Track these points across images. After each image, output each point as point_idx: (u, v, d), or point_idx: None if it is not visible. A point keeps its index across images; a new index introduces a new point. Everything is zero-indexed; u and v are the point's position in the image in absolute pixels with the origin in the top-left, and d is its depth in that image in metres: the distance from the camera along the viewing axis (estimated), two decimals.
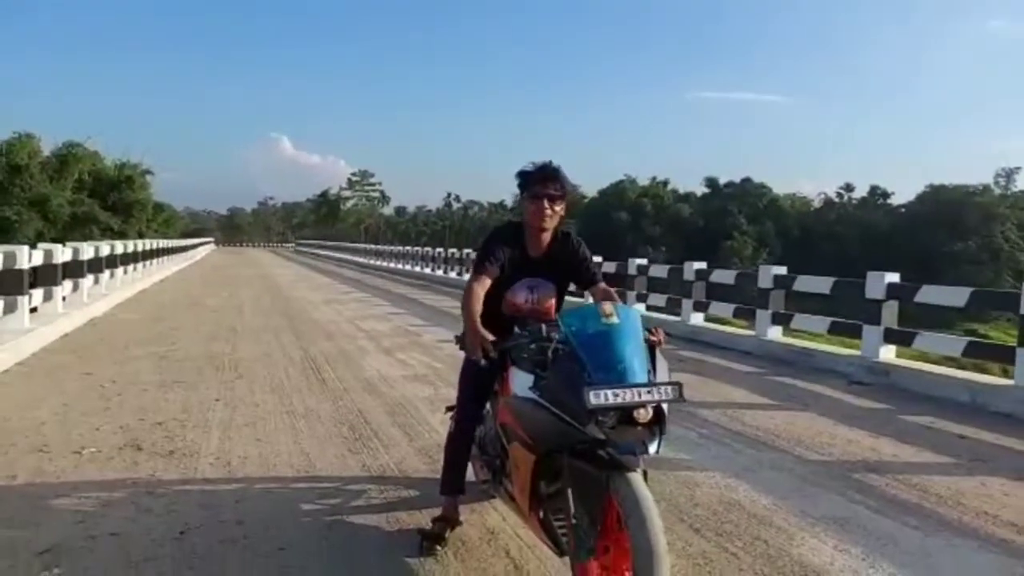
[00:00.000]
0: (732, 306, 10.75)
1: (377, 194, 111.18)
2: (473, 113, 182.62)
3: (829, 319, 8.95)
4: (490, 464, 3.34)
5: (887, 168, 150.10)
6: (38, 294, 9.78)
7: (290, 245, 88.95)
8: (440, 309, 14.53)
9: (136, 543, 3.26)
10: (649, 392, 2.42)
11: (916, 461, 4.85)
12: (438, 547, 3.20)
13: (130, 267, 18.16)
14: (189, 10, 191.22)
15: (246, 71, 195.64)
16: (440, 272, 25.73)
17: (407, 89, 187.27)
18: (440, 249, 28.53)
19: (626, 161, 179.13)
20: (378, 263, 35.53)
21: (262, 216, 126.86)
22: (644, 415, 2.42)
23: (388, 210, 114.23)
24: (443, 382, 6.68)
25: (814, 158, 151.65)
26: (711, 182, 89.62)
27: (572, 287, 3.40)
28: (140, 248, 20.39)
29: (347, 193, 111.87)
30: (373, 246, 45.39)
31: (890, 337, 7.82)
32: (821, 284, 9.33)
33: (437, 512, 3.40)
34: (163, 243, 27.86)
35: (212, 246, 64.68)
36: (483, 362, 2.87)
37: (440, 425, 4.90)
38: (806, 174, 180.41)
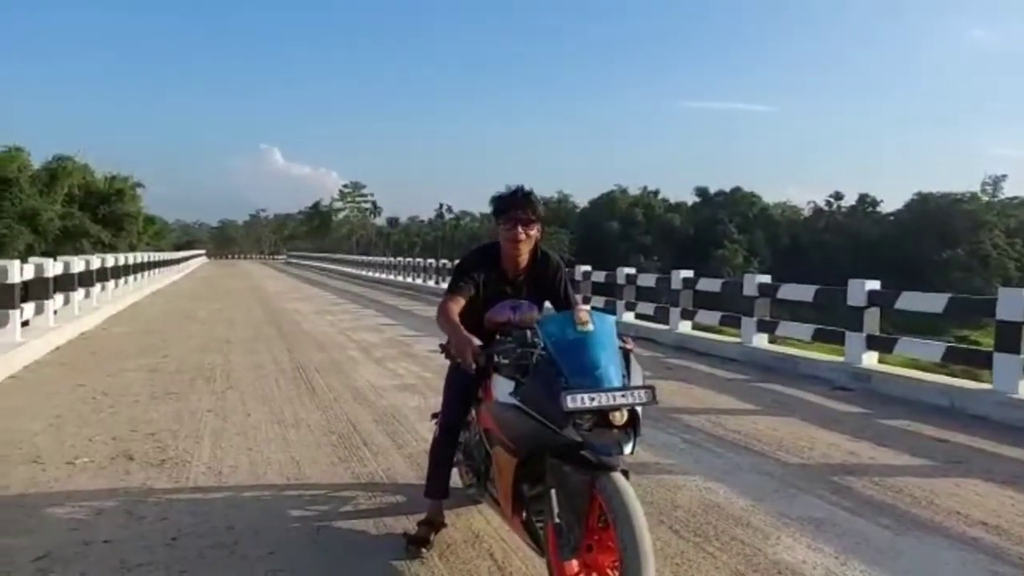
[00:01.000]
0: (719, 314, 10.89)
1: (369, 205, 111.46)
2: (464, 124, 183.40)
3: (813, 326, 9.09)
4: (475, 469, 3.45)
5: (876, 176, 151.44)
6: (29, 308, 9.84)
7: (281, 257, 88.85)
8: (431, 320, 14.58)
9: (129, 549, 3.34)
10: (624, 396, 2.53)
11: (893, 463, 4.97)
12: (423, 550, 3.30)
13: (121, 280, 18.20)
14: (179, 23, 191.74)
15: (236, 83, 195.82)
16: (432, 283, 25.82)
17: (398, 100, 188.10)
18: (432, 260, 28.64)
19: (617, 171, 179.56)
20: (370, 274, 35.60)
21: (254, 228, 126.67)
22: (619, 418, 2.53)
23: (380, 221, 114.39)
24: (433, 392, 6.76)
25: (803, 166, 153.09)
26: (701, 191, 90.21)
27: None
28: (131, 261, 20.42)
29: (339, 204, 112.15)
30: (365, 257, 45.50)
31: (872, 343, 7.97)
32: (804, 292, 9.48)
33: (423, 517, 3.49)
34: (154, 256, 27.89)
35: (204, 259, 64.55)
36: (473, 368, 2.89)
37: (428, 433, 4.97)
38: (795, 182, 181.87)
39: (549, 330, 2.72)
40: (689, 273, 11.61)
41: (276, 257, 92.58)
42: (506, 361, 2.78)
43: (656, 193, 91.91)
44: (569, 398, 2.46)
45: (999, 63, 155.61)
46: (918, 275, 60.74)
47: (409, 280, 28.80)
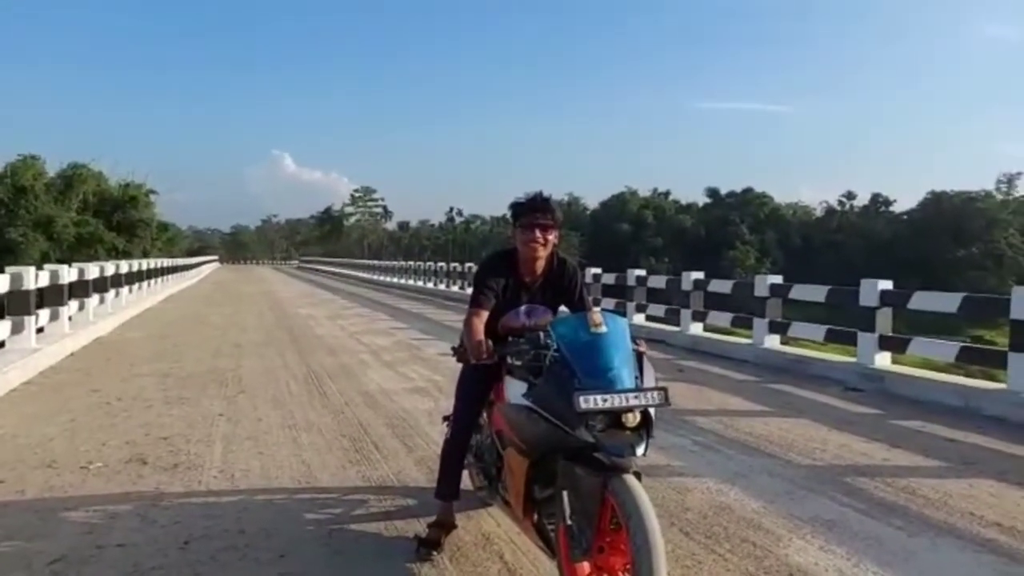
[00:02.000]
0: (730, 315, 10.85)
1: (380, 210, 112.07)
2: (474, 127, 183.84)
3: (825, 327, 9.04)
4: (486, 471, 3.45)
5: (889, 175, 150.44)
6: (45, 314, 9.93)
7: (293, 262, 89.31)
8: (442, 323, 14.65)
9: (142, 553, 3.37)
10: (636, 397, 2.53)
11: (906, 464, 4.93)
12: (434, 552, 3.31)
13: (135, 286, 18.34)
14: (191, 31, 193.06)
15: (248, 90, 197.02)
16: (443, 286, 25.89)
17: (408, 105, 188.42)
18: (442, 263, 28.71)
19: (627, 173, 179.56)
20: (381, 278, 35.71)
21: (266, 233, 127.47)
22: (632, 419, 2.53)
23: (391, 225, 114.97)
24: (444, 395, 6.78)
25: (815, 166, 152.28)
26: (712, 192, 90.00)
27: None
28: (145, 267, 20.59)
29: (350, 209, 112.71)
30: (376, 262, 45.65)
31: (885, 344, 7.92)
32: (816, 292, 9.43)
33: (434, 519, 3.50)
34: (167, 262, 28.07)
35: (216, 264, 65.00)
36: (484, 357, 2.93)
37: (439, 436, 4.98)
38: (807, 182, 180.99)
39: (562, 331, 2.72)
40: (700, 274, 11.57)
41: (288, 262, 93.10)
42: (519, 362, 2.79)
43: (667, 194, 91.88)
44: (582, 399, 2.47)
45: (1014, 60, 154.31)
46: (932, 274, 60.33)
47: (420, 284, 28.87)
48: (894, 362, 8.06)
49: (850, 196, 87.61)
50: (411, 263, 34.60)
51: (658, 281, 13.19)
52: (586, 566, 2.60)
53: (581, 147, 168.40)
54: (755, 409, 6.68)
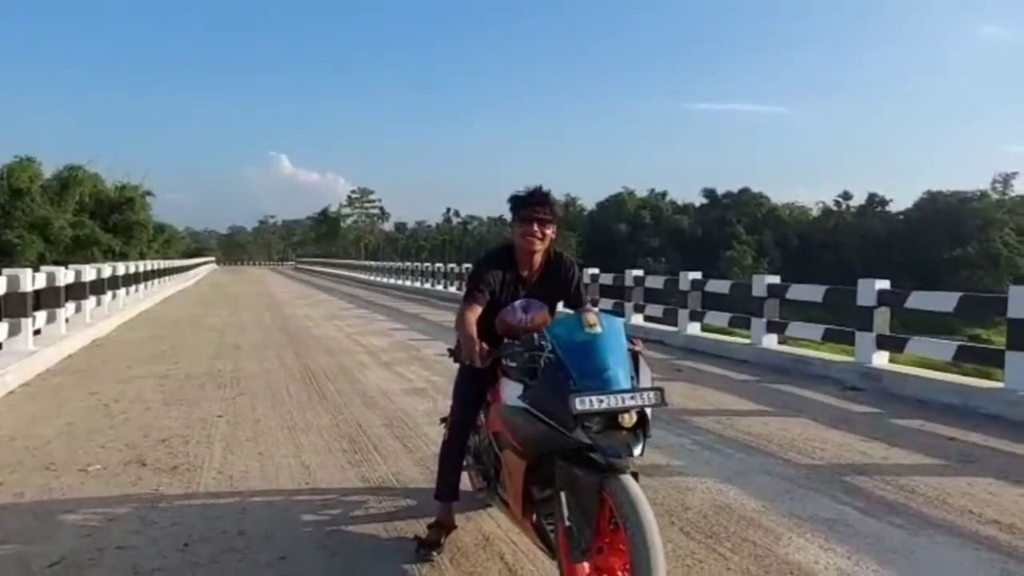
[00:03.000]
0: (728, 315, 10.86)
1: (377, 210, 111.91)
2: (472, 128, 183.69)
3: (823, 327, 9.05)
4: (485, 473, 3.46)
5: (885, 175, 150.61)
6: (41, 316, 9.91)
7: (290, 263, 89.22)
8: (440, 324, 14.63)
9: (141, 555, 3.37)
10: (632, 397, 2.53)
11: (905, 463, 4.94)
12: (434, 553, 3.31)
13: (132, 288, 18.32)
14: (188, 32, 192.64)
15: (245, 91, 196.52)
16: (440, 287, 25.89)
17: (406, 105, 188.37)
18: (440, 264, 28.71)
19: (624, 173, 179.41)
20: (378, 279, 35.70)
21: (262, 235, 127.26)
22: (628, 419, 2.53)
23: (388, 226, 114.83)
24: (442, 395, 6.77)
25: (811, 166, 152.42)
26: (709, 192, 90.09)
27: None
28: (142, 269, 20.56)
29: (347, 210, 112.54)
30: (373, 263, 45.64)
31: (882, 343, 7.93)
32: (814, 292, 9.44)
33: (434, 520, 3.50)
34: (164, 263, 28.06)
35: (213, 265, 64.90)
36: (478, 363, 2.95)
37: (438, 436, 4.97)
38: (804, 182, 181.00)
39: (557, 332, 2.72)
40: (698, 274, 11.58)
41: (285, 263, 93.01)
42: (514, 364, 2.79)
43: (664, 195, 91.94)
44: (578, 400, 2.47)
45: (1010, 60, 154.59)
46: (928, 274, 60.44)
47: (417, 285, 28.86)
48: (892, 361, 8.08)
49: (846, 196, 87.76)
50: (408, 264, 34.57)
51: (656, 281, 13.20)
52: (586, 566, 2.60)
53: (578, 148, 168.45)
54: (754, 408, 6.69)
